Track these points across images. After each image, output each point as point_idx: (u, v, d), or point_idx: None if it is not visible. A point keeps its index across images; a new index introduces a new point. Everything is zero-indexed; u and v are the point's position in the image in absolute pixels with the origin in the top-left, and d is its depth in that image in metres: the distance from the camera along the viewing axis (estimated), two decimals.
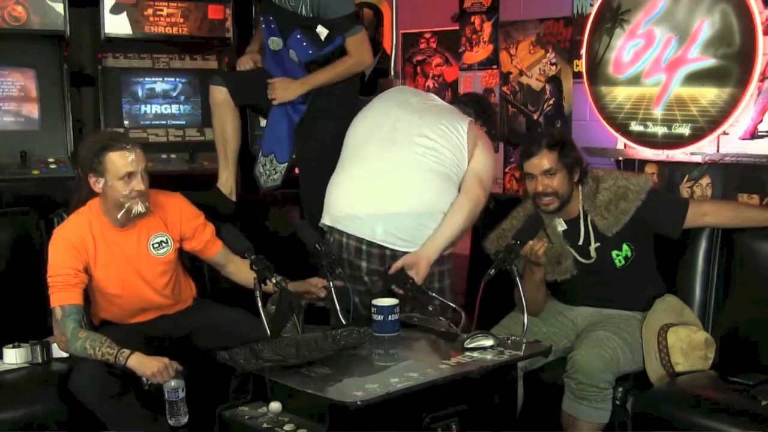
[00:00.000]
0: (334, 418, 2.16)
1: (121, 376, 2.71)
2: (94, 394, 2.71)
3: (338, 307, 2.82)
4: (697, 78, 3.40)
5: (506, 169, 4.38)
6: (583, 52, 3.82)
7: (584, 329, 3.05)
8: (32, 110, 3.85)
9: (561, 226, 3.10)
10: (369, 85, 4.25)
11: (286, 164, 3.55)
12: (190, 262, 3.21)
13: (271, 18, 3.44)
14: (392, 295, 2.81)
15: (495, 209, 3.38)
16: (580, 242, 3.06)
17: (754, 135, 3.30)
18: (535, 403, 2.96)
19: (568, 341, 3.08)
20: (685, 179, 3.55)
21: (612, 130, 3.73)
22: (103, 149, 2.79)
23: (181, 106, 4.26)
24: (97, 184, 2.82)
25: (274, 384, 2.32)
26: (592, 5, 3.82)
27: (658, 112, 3.55)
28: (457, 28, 4.59)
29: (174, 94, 4.19)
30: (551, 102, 4.14)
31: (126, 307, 2.99)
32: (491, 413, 2.45)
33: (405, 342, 2.65)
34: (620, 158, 3.74)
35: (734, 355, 2.98)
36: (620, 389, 2.89)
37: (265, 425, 2.27)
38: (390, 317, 2.65)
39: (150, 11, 4.04)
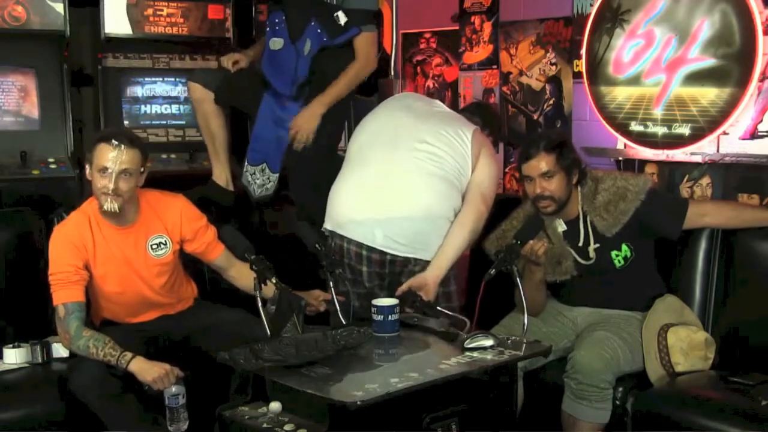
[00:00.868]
0: (334, 418, 2.16)
1: (122, 377, 2.72)
2: (94, 394, 2.72)
3: (338, 308, 2.82)
4: (697, 78, 3.40)
5: (506, 169, 4.39)
6: (583, 52, 3.82)
7: (584, 329, 3.05)
8: (32, 110, 3.84)
9: (561, 226, 3.10)
10: (369, 85, 4.24)
11: (279, 173, 3.51)
12: (190, 264, 3.21)
13: (277, 20, 3.45)
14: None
15: (495, 209, 3.37)
16: (580, 243, 3.06)
17: (754, 135, 3.30)
18: (535, 403, 2.96)
19: (568, 341, 3.08)
20: (685, 179, 3.55)
21: (612, 130, 3.73)
22: (98, 140, 2.81)
23: (181, 106, 4.26)
24: (89, 175, 2.84)
25: (273, 384, 2.32)
26: (592, 5, 3.82)
27: (658, 112, 3.55)
28: (457, 28, 4.59)
29: (174, 94, 4.19)
30: (551, 102, 4.15)
31: (126, 305, 2.99)
32: (491, 413, 2.45)
33: (405, 342, 2.65)
34: (620, 158, 3.73)
35: (734, 355, 2.98)
36: (620, 389, 2.89)
37: (265, 425, 2.27)
38: (390, 317, 2.64)
39: (150, 11, 4.05)
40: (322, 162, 3.38)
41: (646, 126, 3.60)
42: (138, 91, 4.20)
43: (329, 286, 2.83)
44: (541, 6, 4.15)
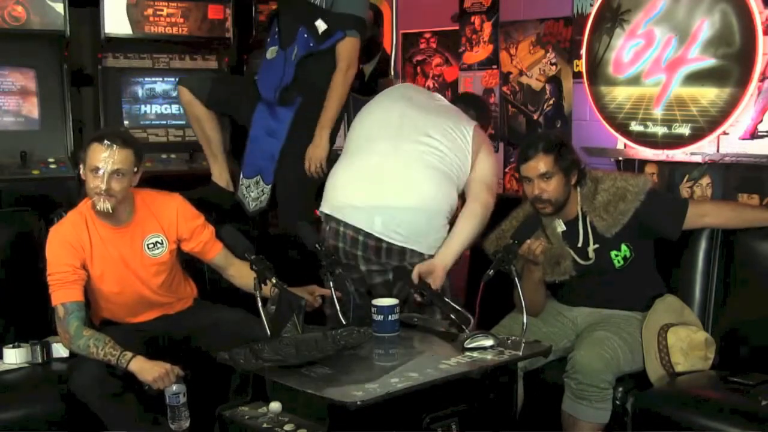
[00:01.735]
0: (334, 418, 2.16)
1: (122, 377, 2.72)
2: (94, 394, 2.71)
3: (338, 307, 2.82)
4: (697, 78, 3.40)
5: (506, 169, 4.39)
6: (583, 52, 3.82)
7: (584, 329, 3.05)
8: (32, 110, 3.85)
9: (560, 227, 3.10)
10: (369, 85, 4.25)
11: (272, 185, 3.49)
12: (190, 263, 3.21)
13: (275, 29, 3.47)
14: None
15: (495, 209, 3.37)
16: (579, 243, 3.06)
17: (754, 135, 3.30)
18: (535, 403, 2.96)
19: (568, 341, 3.08)
20: (685, 179, 3.55)
21: (612, 130, 3.73)
22: (92, 140, 2.81)
23: (181, 106, 4.25)
24: (82, 174, 2.84)
25: (273, 384, 2.32)
26: (592, 5, 3.82)
27: (658, 112, 3.55)
28: (457, 28, 4.59)
29: (174, 94, 4.18)
30: (551, 102, 4.15)
31: (125, 305, 2.99)
32: (491, 413, 2.45)
33: (405, 342, 2.65)
34: (620, 158, 3.74)
35: (734, 355, 2.98)
36: (620, 389, 2.88)
37: (265, 425, 2.27)
38: (390, 317, 2.65)
39: (150, 11, 4.04)
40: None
41: (646, 126, 3.60)
42: (138, 91, 4.20)
43: (329, 287, 2.83)
44: (541, 6, 4.15)
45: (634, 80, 3.62)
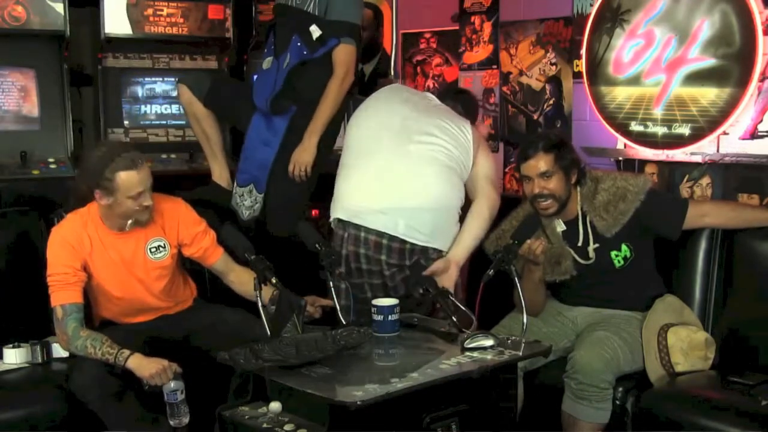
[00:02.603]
0: (334, 418, 2.16)
1: (122, 376, 2.71)
2: (94, 394, 2.72)
3: (338, 307, 2.82)
4: (697, 78, 3.40)
5: (506, 169, 4.38)
6: (583, 52, 3.82)
7: (584, 329, 3.05)
8: (32, 110, 3.85)
9: (560, 226, 3.10)
10: (369, 85, 4.25)
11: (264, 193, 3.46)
12: (189, 264, 3.20)
13: (271, 40, 3.46)
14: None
15: None
16: (579, 243, 3.06)
17: (754, 135, 3.30)
18: (535, 403, 2.96)
19: (568, 341, 3.08)
20: (685, 179, 3.55)
21: (612, 130, 3.73)
22: (114, 170, 2.76)
23: (181, 107, 4.24)
24: (103, 199, 2.81)
25: (273, 384, 2.32)
26: (592, 5, 3.82)
27: (658, 112, 3.55)
28: (457, 28, 4.59)
29: (174, 94, 4.18)
30: (551, 102, 4.14)
31: (126, 308, 2.99)
32: (491, 413, 2.45)
33: (405, 342, 2.65)
34: (620, 158, 3.73)
35: (734, 355, 2.98)
36: (620, 389, 2.89)
37: (265, 425, 2.28)
38: (390, 317, 2.65)
39: (150, 11, 4.04)
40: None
41: (646, 126, 3.60)
42: (138, 91, 4.20)
43: (329, 287, 2.83)
44: (541, 6, 4.15)
45: (634, 80, 3.61)
